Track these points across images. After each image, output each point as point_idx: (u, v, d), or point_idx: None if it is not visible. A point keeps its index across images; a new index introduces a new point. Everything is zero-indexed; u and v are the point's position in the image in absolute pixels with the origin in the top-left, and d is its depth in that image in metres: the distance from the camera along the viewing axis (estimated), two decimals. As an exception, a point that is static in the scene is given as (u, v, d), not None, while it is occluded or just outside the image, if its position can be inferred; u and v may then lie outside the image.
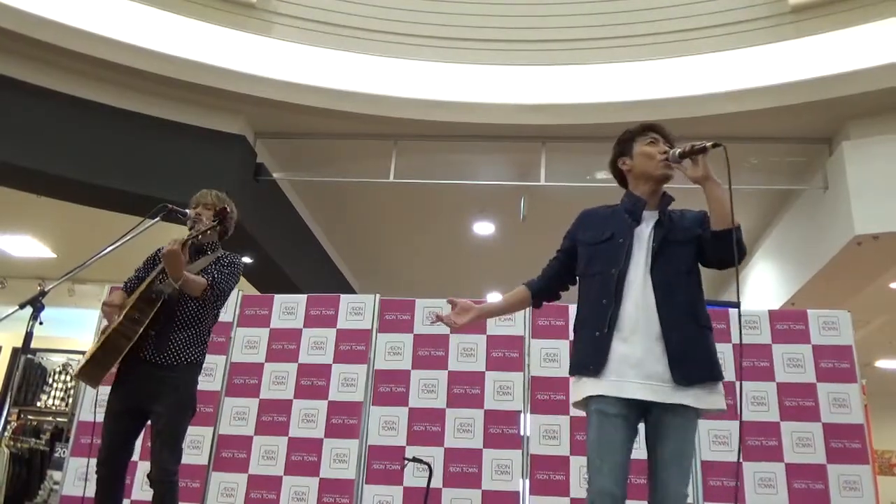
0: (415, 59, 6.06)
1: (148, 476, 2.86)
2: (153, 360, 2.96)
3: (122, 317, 2.89)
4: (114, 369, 2.98)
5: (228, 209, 3.16)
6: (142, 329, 2.89)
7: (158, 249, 3.22)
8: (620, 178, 2.51)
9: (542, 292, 2.50)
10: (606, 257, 2.28)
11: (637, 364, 2.13)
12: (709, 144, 2.22)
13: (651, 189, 2.37)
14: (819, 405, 3.85)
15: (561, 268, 2.48)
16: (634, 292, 2.20)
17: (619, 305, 2.19)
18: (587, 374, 2.20)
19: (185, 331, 3.04)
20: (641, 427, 2.21)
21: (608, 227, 2.33)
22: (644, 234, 2.28)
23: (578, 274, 2.40)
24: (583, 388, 2.21)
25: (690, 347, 2.16)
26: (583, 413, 2.25)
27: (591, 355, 2.20)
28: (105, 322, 3.10)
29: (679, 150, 2.30)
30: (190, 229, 3.14)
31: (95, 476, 2.92)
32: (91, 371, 2.91)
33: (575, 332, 2.34)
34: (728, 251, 2.17)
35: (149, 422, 2.99)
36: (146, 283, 2.98)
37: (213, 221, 3.02)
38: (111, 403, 2.99)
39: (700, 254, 2.29)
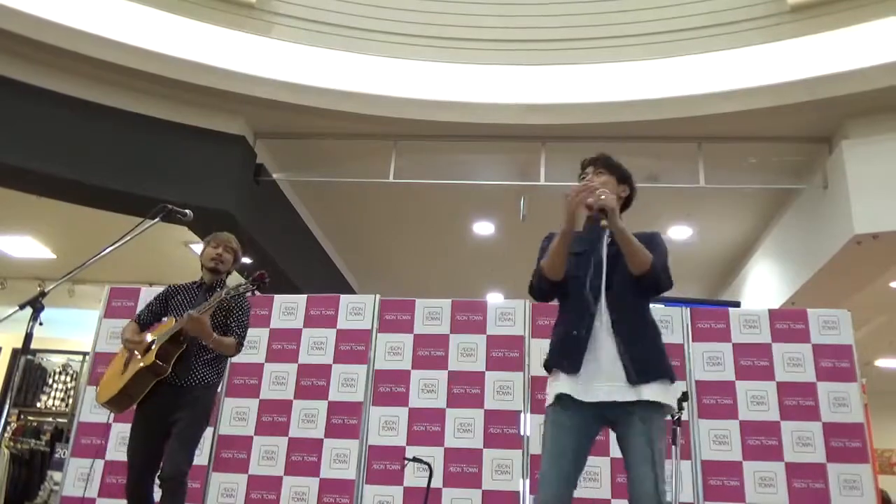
0: (415, 59, 6.06)
1: (159, 476, 3.02)
2: (175, 383, 3.21)
3: (154, 356, 3.16)
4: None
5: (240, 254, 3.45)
6: (170, 368, 3.18)
7: (169, 288, 3.49)
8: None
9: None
10: (581, 269, 2.46)
11: (599, 370, 2.33)
12: (600, 213, 2.34)
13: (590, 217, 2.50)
14: (819, 404, 3.85)
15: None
16: (599, 305, 2.40)
17: (594, 313, 2.40)
18: (563, 369, 2.38)
19: (204, 356, 3.29)
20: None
21: (581, 244, 2.51)
22: (603, 252, 2.48)
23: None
24: (558, 384, 2.38)
25: (646, 349, 2.37)
26: None
27: (568, 353, 2.38)
28: (121, 350, 3.40)
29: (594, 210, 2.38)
30: (211, 270, 3.40)
31: (126, 495, 3.17)
32: (119, 402, 3.24)
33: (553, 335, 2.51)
34: (652, 289, 2.43)
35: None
36: (175, 331, 3.20)
37: (253, 285, 3.14)
38: (137, 426, 3.24)
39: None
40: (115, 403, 3.25)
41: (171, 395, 3.18)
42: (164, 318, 3.46)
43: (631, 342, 2.36)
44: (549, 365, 2.47)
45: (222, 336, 3.26)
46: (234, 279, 3.44)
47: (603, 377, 2.32)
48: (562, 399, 2.35)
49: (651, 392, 2.31)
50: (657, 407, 2.33)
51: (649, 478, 2.22)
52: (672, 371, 2.42)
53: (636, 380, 2.31)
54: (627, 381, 2.31)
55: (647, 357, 2.37)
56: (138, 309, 4.39)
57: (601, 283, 2.43)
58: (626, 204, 2.62)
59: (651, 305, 2.53)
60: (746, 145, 6.12)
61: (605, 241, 2.49)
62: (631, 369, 2.32)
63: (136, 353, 3.26)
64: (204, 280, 3.46)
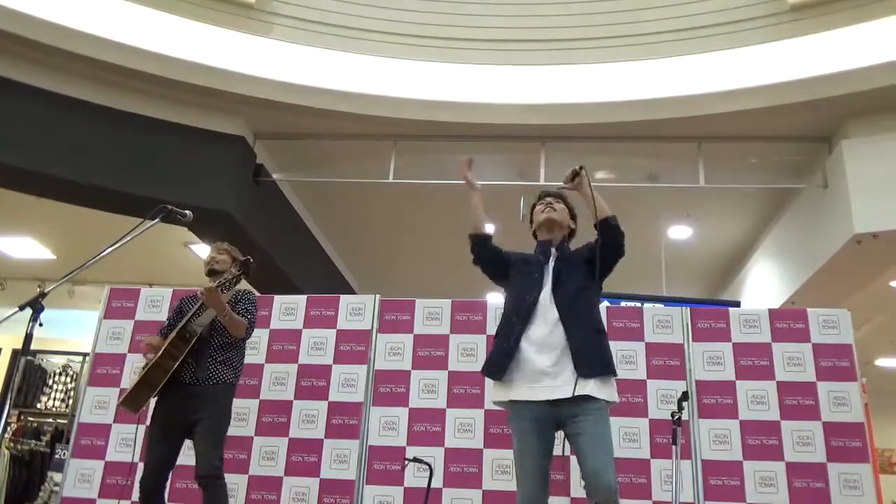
0: (414, 59, 6.06)
1: (196, 476, 3.12)
2: (192, 383, 3.33)
3: (160, 354, 3.30)
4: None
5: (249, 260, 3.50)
6: (176, 364, 3.29)
7: (182, 299, 3.70)
8: (534, 235, 3.07)
9: (490, 247, 2.99)
10: (524, 285, 2.81)
11: (545, 370, 2.60)
12: (577, 167, 2.84)
13: (547, 234, 2.94)
14: (819, 404, 3.84)
15: (501, 256, 2.98)
16: (542, 312, 2.70)
17: (529, 323, 2.69)
18: (492, 377, 2.73)
19: (219, 356, 3.42)
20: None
21: (530, 265, 2.88)
22: (550, 267, 2.84)
23: (504, 287, 2.93)
24: (497, 391, 2.72)
25: (589, 347, 2.64)
26: None
27: (498, 363, 2.69)
28: (143, 359, 3.56)
29: (566, 175, 2.87)
30: (209, 273, 3.61)
31: (139, 491, 3.26)
32: (132, 401, 3.32)
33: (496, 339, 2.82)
34: (608, 235, 2.75)
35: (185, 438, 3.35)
36: (181, 326, 3.37)
37: (238, 271, 3.35)
38: (154, 422, 3.37)
39: (595, 267, 2.78)
40: (130, 401, 3.33)
41: (187, 394, 3.30)
42: None
43: (578, 343, 2.62)
44: (483, 372, 2.80)
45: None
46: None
47: (546, 377, 2.59)
48: (514, 404, 2.64)
49: (592, 387, 2.55)
50: (601, 401, 2.57)
51: (610, 464, 2.46)
52: (613, 365, 2.68)
53: (581, 376, 2.56)
54: (574, 377, 2.56)
55: (591, 356, 2.62)
56: (138, 309, 4.46)
57: (540, 297, 2.73)
58: (570, 234, 3.03)
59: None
60: (746, 145, 6.12)
61: (552, 259, 2.86)
62: (577, 367, 2.57)
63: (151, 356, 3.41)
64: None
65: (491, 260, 2.97)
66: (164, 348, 3.31)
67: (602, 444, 2.49)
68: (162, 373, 3.28)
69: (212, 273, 3.60)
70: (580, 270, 2.81)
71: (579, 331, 2.65)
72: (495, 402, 2.78)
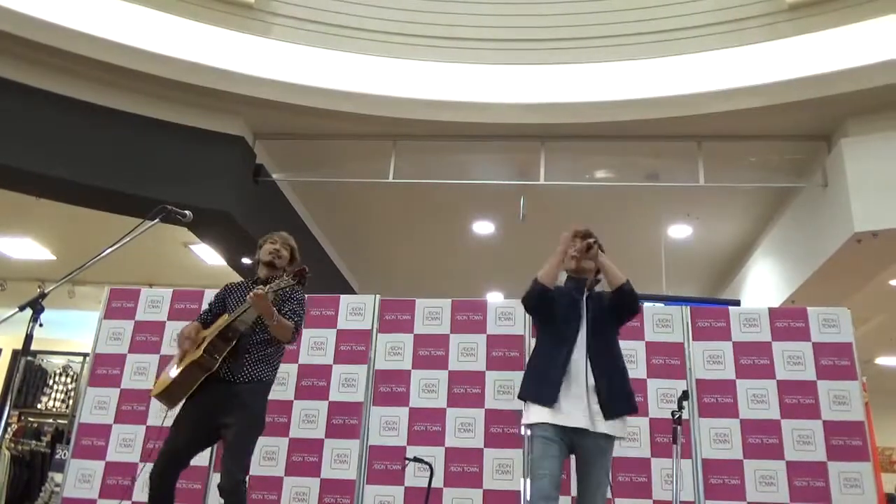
0: (414, 59, 6.06)
1: (218, 486, 3.00)
2: (227, 378, 3.20)
3: (202, 350, 3.18)
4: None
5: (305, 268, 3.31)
6: (217, 364, 3.17)
7: (227, 287, 3.50)
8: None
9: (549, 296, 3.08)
10: (567, 317, 3.03)
11: (581, 399, 2.88)
12: (591, 241, 3.06)
13: (577, 275, 3.16)
14: (819, 402, 3.85)
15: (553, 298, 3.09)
16: (580, 344, 2.97)
17: (572, 354, 2.95)
18: (542, 403, 2.91)
19: (257, 353, 3.27)
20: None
21: (566, 298, 3.09)
22: (583, 305, 3.08)
23: (542, 320, 3.12)
24: (538, 413, 2.91)
25: (617, 385, 2.95)
26: None
27: (552, 390, 2.90)
28: (177, 348, 3.36)
29: (580, 247, 3.08)
30: (268, 264, 3.44)
31: (150, 482, 3.06)
32: (170, 394, 3.22)
33: (532, 367, 3.07)
34: (625, 299, 3.00)
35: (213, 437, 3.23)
36: (227, 324, 3.23)
37: (294, 280, 3.20)
38: (183, 414, 3.23)
39: (615, 315, 3.07)
40: (166, 396, 3.23)
41: (222, 391, 3.16)
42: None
43: (606, 379, 2.91)
44: (527, 398, 3.00)
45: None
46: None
47: (581, 406, 2.86)
48: (548, 424, 2.87)
49: (612, 427, 2.87)
50: (614, 439, 2.90)
51: (604, 499, 2.85)
52: (635, 402, 3.00)
53: (607, 415, 2.86)
54: (600, 415, 2.85)
55: (617, 394, 2.92)
56: (138, 309, 4.44)
57: (579, 329, 2.99)
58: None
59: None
60: (746, 144, 6.12)
61: (584, 298, 3.09)
62: (605, 404, 2.87)
63: (190, 348, 3.28)
64: (259, 276, 3.46)
65: (546, 304, 3.07)
66: (204, 346, 3.18)
67: (601, 486, 2.86)
68: (201, 371, 3.17)
69: (270, 266, 3.43)
70: (606, 314, 3.06)
71: (606, 369, 2.95)
72: (530, 424, 2.95)
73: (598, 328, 3.02)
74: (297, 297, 3.40)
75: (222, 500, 3.00)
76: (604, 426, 2.85)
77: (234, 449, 3.07)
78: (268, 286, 3.19)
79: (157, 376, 4.06)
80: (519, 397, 3.06)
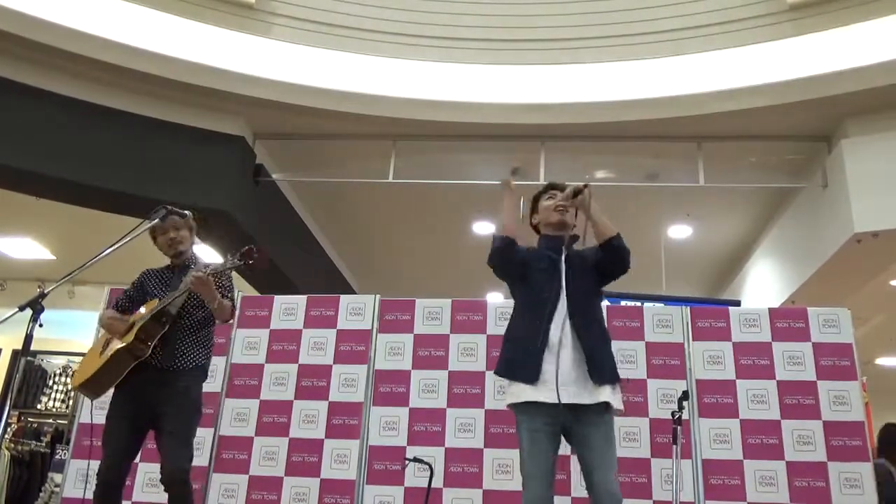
0: (414, 59, 6.06)
1: (162, 480, 2.87)
2: (160, 366, 3.05)
3: (132, 337, 3.01)
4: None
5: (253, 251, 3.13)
6: (149, 350, 3.01)
7: (143, 272, 3.36)
8: (535, 229, 2.97)
9: (516, 248, 2.79)
10: (543, 284, 2.72)
11: (567, 373, 2.56)
12: (582, 185, 2.73)
13: (556, 231, 2.84)
14: (819, 403, 3.84)
15: (522, 256, 2.80)
16: (559, 313, 2.65)
17: (550, 324, 2.63)
18: (522, 379, 2.61)
19: (190, 336, 3.15)
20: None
21: (541, 262, 2.77)
22: (562, 268, 2.74)
23: (516, 286, 2.81)
24: (519, 391, 2.61)
25: (601, 353, 2.64)
26: None
27: (533, 365, 2.59)
28: (102, 333, 3.21)
29: (567, 192, 2.78)
30: (174, 255, 3.30)
31: (96, 482, 2.93)
32: (96, 384, 3.05)
33: (508, 339, 2.77)
34: (617, 255, 2.71)
35: (150, 429, 3.05)
36: (158, 310, 3.07)
37: (239, 261, 3.02)
38: (116, 408, 3.06)
39: (601, 274, 2.77)
40: (90, 387, 3.07)
41: (155, 379, 3.02)
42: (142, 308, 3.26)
43: (590, 346, 2.61)
44: (505, 374, 2.70)
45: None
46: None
47: (568, 380, 2.55)
48: (529, 405, 2.58)
49: (606, 394, 2.55)
50: (610, 408, 2.58)
51: (614, 472, 2.50)
52: (618, 374, 2.68)
53: (597, 382, 2.56)
54: (590, 383, 2.56)
55: (604, 361, 2.63)
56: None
57: (559, 296, 2.67)
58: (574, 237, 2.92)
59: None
60: (746, 144, 6.12)
61: (563, 260, 2.76)
62: (593, 372, 2.57)
63: (116, 334, 3.12)
64: (174, 263, 3.34)
65: (514, 261, 2.78)
66: (135, 331, 3.01)
67: (610, 457, 2.52)
68: (132, 358, 2.99)
69: (177, 255, 3.30)
70: (589, 275, 2.76)
71: (591, 335, 2.64)
72: (512, 405, 2.68)
73: (580, 290, 2.69)
74: (225, 273, 3.23)
75: (167, 495, 2.87)
76: (597, 395, 2.55)
77: (177, 438, 2.94)
78: (208, 269, 3.04)
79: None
80: (496, 373, 2.76)
